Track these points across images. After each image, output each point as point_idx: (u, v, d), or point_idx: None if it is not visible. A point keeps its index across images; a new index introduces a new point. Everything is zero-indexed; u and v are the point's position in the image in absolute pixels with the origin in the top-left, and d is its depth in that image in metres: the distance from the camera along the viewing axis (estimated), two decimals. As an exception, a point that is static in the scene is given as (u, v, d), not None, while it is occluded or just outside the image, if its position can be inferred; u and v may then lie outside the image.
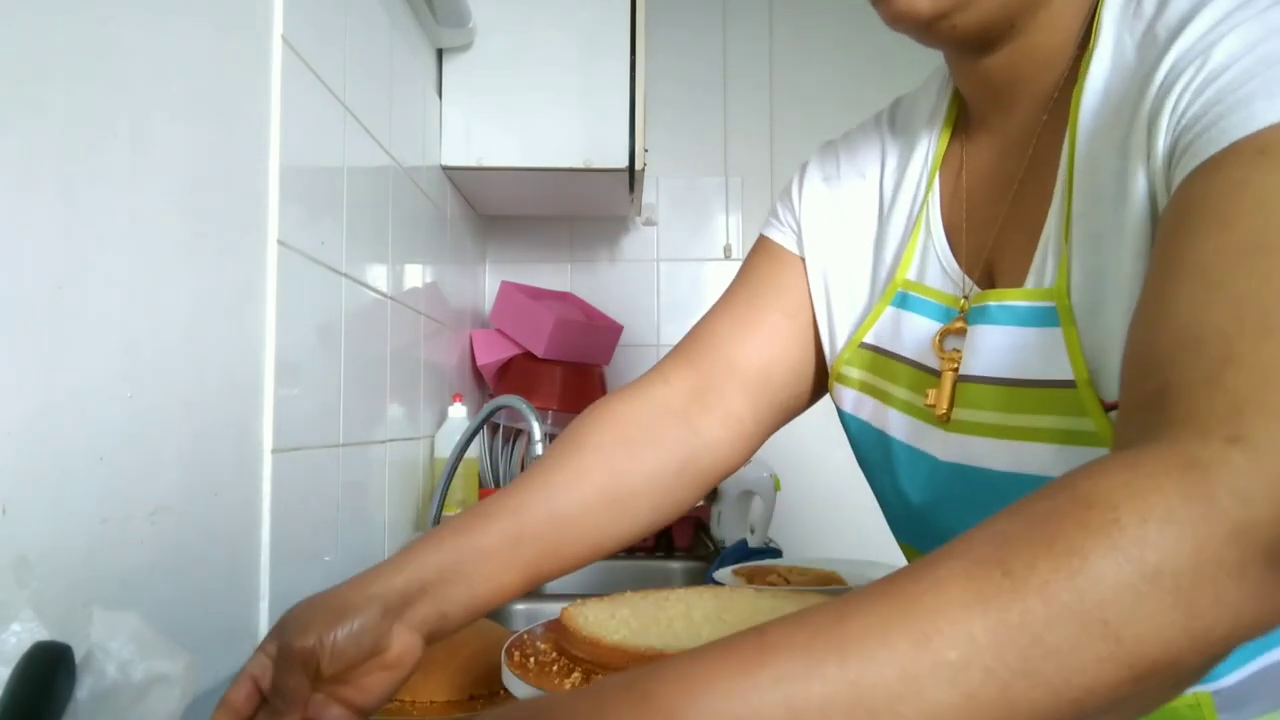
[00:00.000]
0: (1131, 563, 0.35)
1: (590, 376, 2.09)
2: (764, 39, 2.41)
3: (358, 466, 1.25)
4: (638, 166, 1.79)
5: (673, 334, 2.31)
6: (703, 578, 1.49)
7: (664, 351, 2.81)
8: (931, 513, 0.67)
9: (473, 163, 1.76)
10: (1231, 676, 0.58)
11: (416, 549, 0.62)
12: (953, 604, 0.35)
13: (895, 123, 0.78)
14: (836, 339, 0.76)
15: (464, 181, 1.86)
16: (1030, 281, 0.61)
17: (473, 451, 1.56)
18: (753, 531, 1.57)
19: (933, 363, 0.67)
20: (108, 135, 0.68)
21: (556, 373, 2.01)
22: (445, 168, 1.76)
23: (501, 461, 1.92)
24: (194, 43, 0.81)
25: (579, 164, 1.76)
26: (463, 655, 0.79)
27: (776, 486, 1.59)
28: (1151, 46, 0.55)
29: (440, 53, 1.76)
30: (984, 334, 0.62)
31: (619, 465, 0.71)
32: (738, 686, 0.35)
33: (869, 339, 0.72)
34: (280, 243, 0.97)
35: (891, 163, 0.76)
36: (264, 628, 0.95)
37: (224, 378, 0.87)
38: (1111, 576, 0.35)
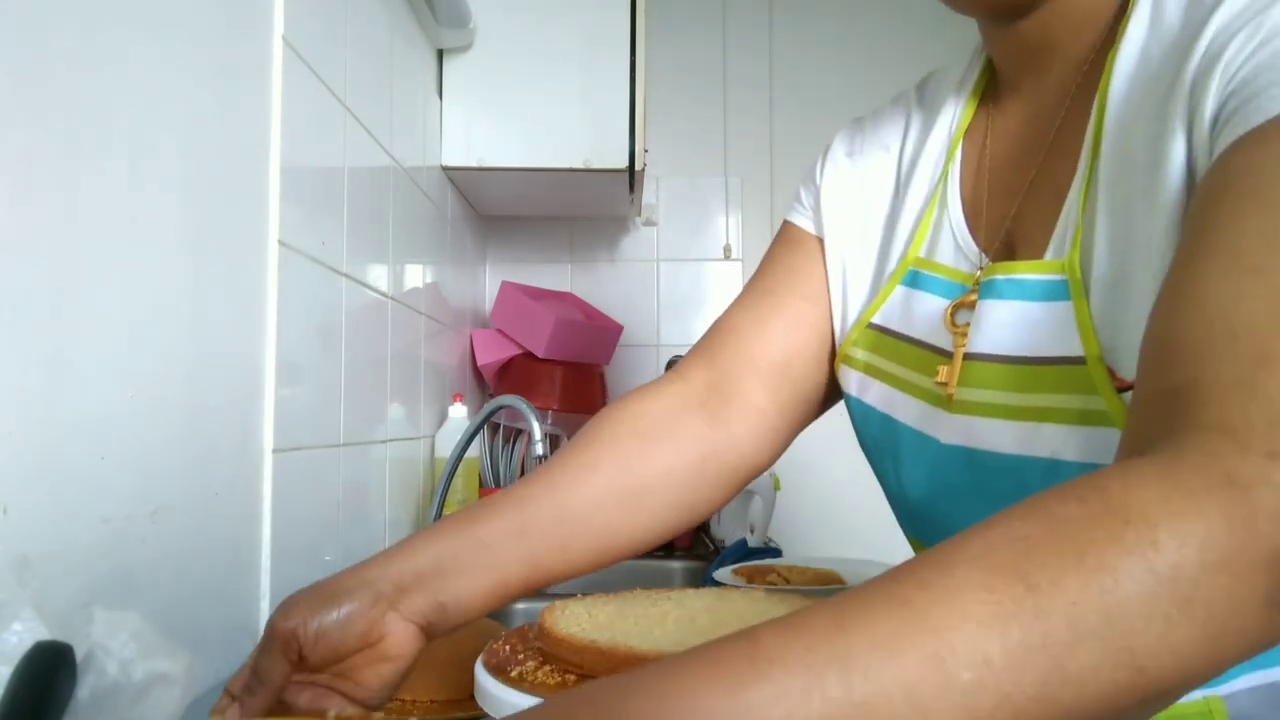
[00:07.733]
0: (1165, 589, 0.32)
1: (590, 376, 2.09)
2: (764, 39, 2.41)
3: (358, 466, 1.25)
4: (638, 167, 1.79)
5: (672, 334, 2.31)
6: (702, 577, 1.49)
7: (664, 352, 2.79)
8: (937, 501, 0.65)
9: (473, 163, 1.76)
10: (1239, 681, 0.56)
11: (416, 538, 0.60)
12: (968, 619, 0.32)
13: (924, 96, 0.75)
14: (847, 319, 0.74)
15: (464, 181, 1.86)
16: (1050, 253, 0.58)
17: (473, 451, 1.56)
18: (752, 531, 1.56)
19: (944, 341, 0.64)
20: (108, 136, 0.68)
21: (557, 373, 2.01)
22: (445, 168, 1.76)
23: (501, 461, 1.92)
24: (194, 43, 0.81)
25: (579, 164, 1.76)
26: (463, 654, 0.79)
27: (776, 486, 1.59)
28: (1198, 7, 0.52)
29: (441, 53, 1.76)
30: (991, 309, 0.59)
31: (632, 460, 0.68)
32: (727, 707, 0.31)
33: (877, 319, 0.70)
34: (280, 243, 0.97)
35: (914, 135, 0.73)
36: (264, 627, 0.95)
37: (224, 378, 0.87)
38: (1143, 603, 0.32)
